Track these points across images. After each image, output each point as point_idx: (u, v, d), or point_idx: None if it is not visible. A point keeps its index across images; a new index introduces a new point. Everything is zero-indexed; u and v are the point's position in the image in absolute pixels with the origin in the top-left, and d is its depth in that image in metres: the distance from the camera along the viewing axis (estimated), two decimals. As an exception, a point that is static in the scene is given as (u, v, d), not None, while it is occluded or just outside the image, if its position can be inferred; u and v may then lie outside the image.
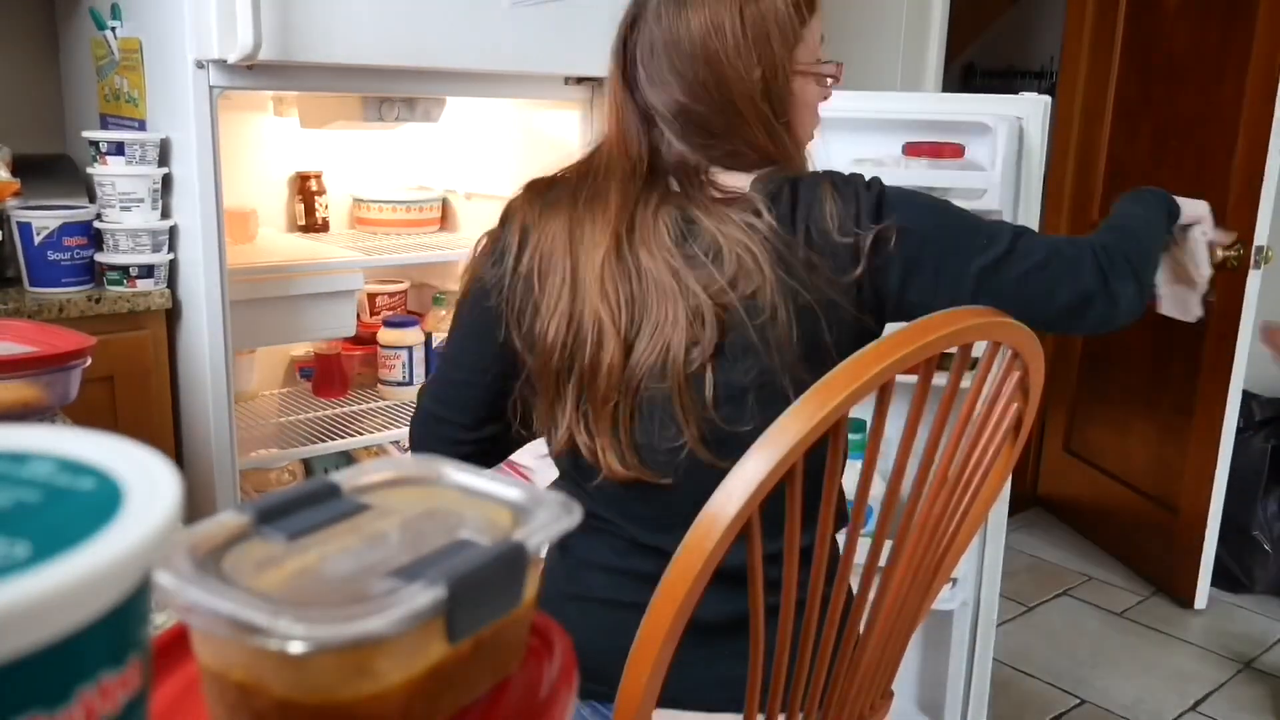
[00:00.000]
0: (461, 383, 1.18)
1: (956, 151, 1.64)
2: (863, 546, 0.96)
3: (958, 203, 1.58)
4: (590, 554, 1.14)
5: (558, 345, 1.06)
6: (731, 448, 1.01)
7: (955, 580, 1.80)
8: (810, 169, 1.16)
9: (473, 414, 1.18)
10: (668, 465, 1.07)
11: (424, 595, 0.34)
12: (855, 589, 1.01)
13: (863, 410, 0.89)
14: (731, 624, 1.01)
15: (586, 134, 2.02)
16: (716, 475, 0.85)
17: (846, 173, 1.10)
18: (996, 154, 1.62)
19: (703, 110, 1.08)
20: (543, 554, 0.41)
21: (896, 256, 1.05)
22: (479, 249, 1.15)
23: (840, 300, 1.04)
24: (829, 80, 1.16)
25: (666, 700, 0.89)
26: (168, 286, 1.80)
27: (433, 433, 1.21)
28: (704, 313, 1.03)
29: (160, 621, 0.65)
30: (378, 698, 0.35)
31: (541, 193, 1.13)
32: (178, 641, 0.43)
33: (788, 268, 1.03)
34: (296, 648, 0.32)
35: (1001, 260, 1.06)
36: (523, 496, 0.43)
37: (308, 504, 0.41)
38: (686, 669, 0.85)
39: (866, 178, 1.10)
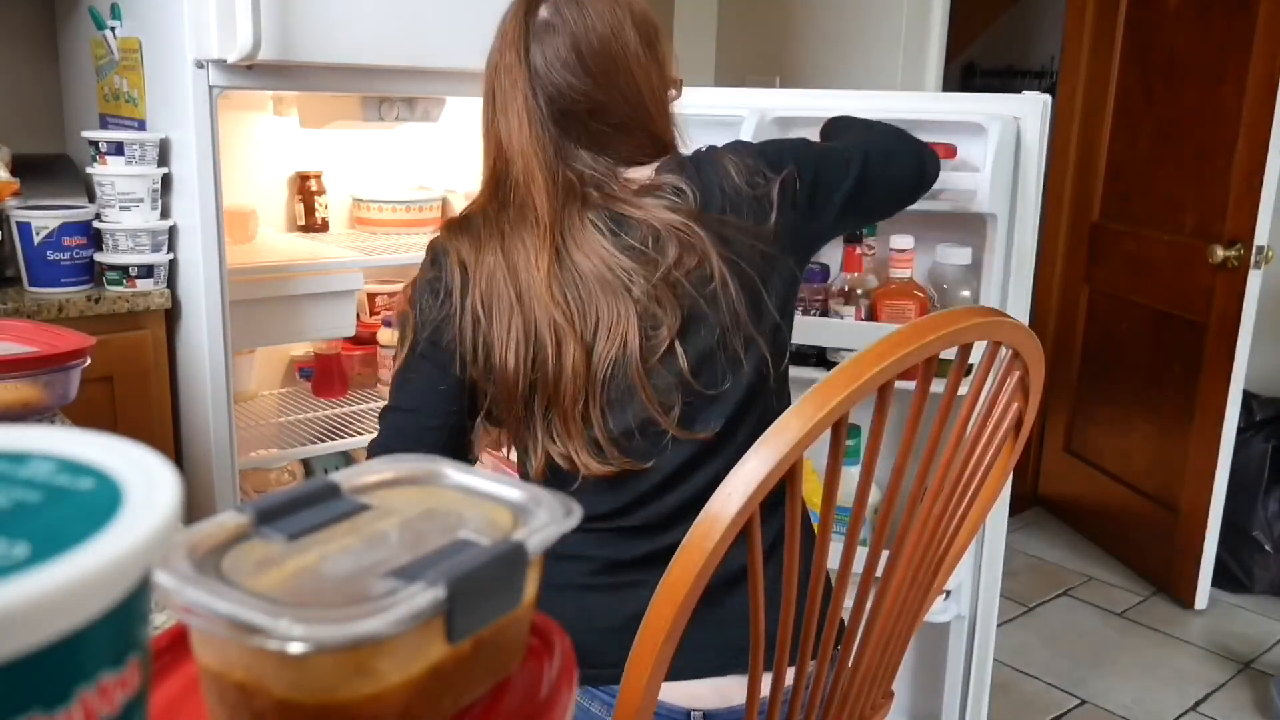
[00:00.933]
0: (428, 427, 1.16)
1: (949, 152, 1.63)
2: (861, 549, 0.96)
3: (946, 206, 1.59)
4: (562, 547, 1.13)
5: (520, 368, 1.08)
6: (708, 415, 1.11)
7: (949, 592, 1.77)
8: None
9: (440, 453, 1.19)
10: (650, 450, 1.10)
11: (423, 595, 0.34)
12: (856, 589, 1.01)
13: (859, 415, 0.89)
14: (731, 583, 1.02)
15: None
16: (690, 446, 0.97)
17: (720, 145, 1.21)
18: (988, 155, 1.57)
19: (615, 105, 1.13)
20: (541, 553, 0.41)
21: (801, 195, 1.17)
22: (415, 293, 1.15)
23: (766, 248, 1.14)
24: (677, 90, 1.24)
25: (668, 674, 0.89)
26: (167, 286, 1.80)
27: None
28: (659, 296, 1.08)
29: (160, 621, 0.65)
30: (377, 698, 0.35)
31: (464, 229, 1.14)
32: (177, 641, 0.43)
33: (719, 234, 1.11)
34: (296, 648, 0.32)
35: (860, 179, 1.22)
36: (523, 496, 0.43)
37: (308, 504, 0.41)
38: (688, 637, 0.86)
39: (738, 142, 1.23)
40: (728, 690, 1.09)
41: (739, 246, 1.12)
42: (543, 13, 1.12)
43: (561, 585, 1.12)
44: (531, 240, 1.10)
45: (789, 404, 1.05)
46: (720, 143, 1.23)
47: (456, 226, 1.16)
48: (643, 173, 1.16)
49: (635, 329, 1.08)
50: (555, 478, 1.13)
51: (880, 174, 1.25)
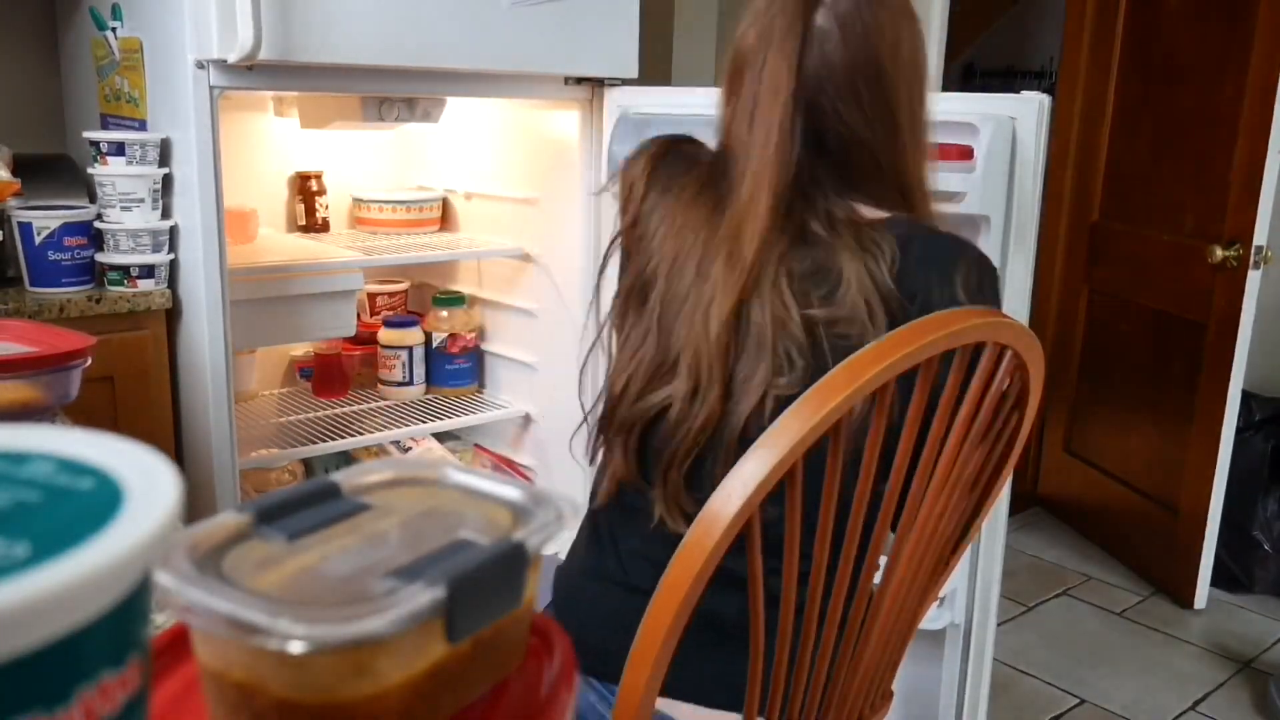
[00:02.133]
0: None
1: (965, 153, 1.59)
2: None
3: (942, 207, 1.55)
4: (621, 539, 1.09)
5: (630, 389, 0.99)
6: None
7: (942, 599, 1.75)
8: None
9: None
10: None
11: (423, 595, 0.35)
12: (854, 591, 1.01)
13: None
14: (736, 622, 1.01)
15: (587, 134, 2.02)
16: None
17: (977, 250, 1.04)
18: (978, 155, 1.53)
19: (875, 141, 1.00)
20: (543, 554, 0.41)
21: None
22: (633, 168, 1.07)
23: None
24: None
25: (667, 690, 0.89)
26: (168, 286, 1.80)
27: None
28: (793, 352, 0.97)
29: (160, 621, 0.65)
30: (377, 698, 0.35)
31: (668, 168, 1.04)
32: (177, 641, 0.43)
33: (895, 321, 0.97)
34: (296, 647, 0.32)
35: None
36: (523, 496, 0.43)
37: (308, 504, 0.41)
38: (689, 663, 0.85)
39: (988, 260, 1.04)
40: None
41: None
42: (820, 18, 0.99)
43: (608, 579, 1.09)
44: (725, 274, 0.97)
45: None
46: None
47: (665, 157, 1.05)
48: (869, 214, 1.03)
49: (761, 387, 0.96)
50: (620, 506, 1.05)
51: None
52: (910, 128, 1.02)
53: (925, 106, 1.04)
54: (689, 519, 0.97)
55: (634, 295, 1.04)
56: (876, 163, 1.02)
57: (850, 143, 1.00)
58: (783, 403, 0.95)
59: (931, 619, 1.74)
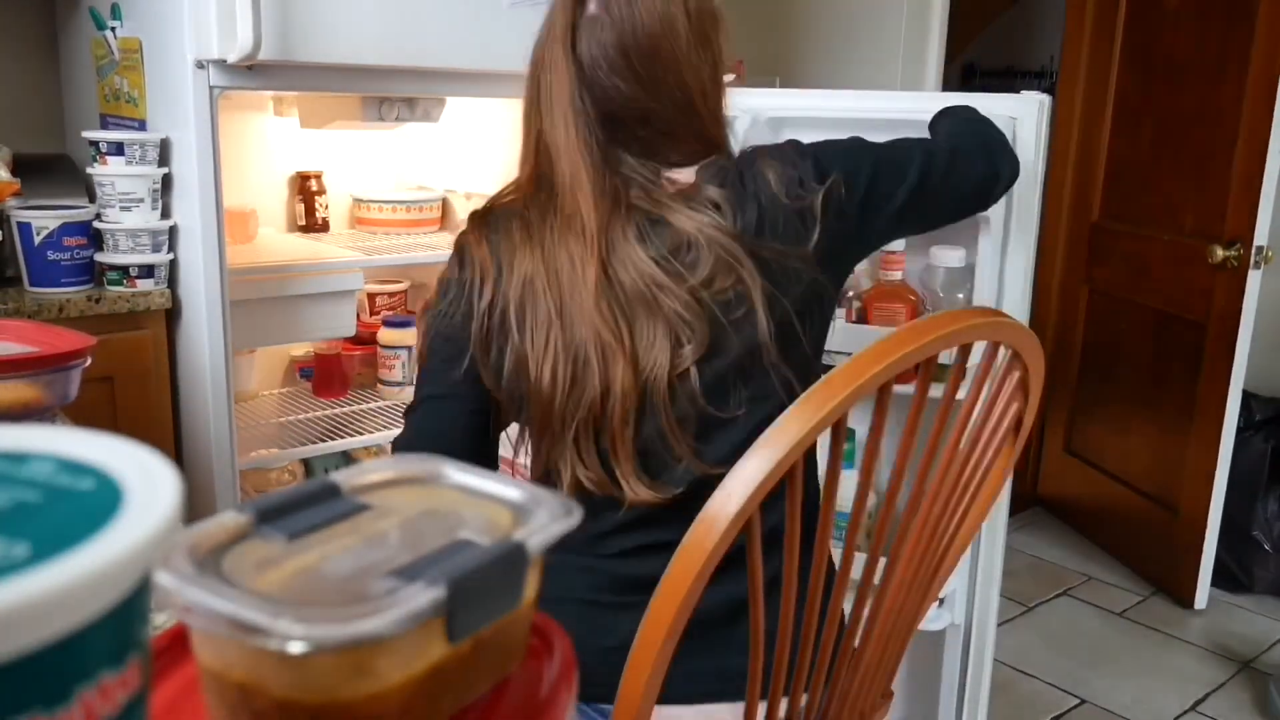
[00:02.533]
0: (458, 413, 1.12)
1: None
2: (861, 551, 0.96)
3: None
4: (569, 559, 1.12)
5: (558, 385, 1.03)
6: (719, 443, 1.05)
7: (942, 600, 1.75)
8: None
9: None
10: (681, 480, 1.06)
11: (424, 595, 0.35)
12: (855, 590, 1.01)
13: (855, 420, 0.89)
14: (727, 614, 1.01)
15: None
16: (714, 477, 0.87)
17: (769, 144, 1.13)
18: None
19: (664, 111, 1.07)
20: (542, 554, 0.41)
21: (850, 203, 1.09)
22: (440, 291, 1.11)
23: (805, 271, 1.07)
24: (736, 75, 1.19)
25: (660, 696, 0.89)
26: (168, 286, 1.80)
27: None
28: (685, 315, 1.03)
29: (160, 622, 0.65)
30: (378, 697, 0.35)
31: (495, 226, 1.09)
32: (177, 642, 0.43)
33: (756, 256, 1.04)
34: (297, 648, 0.32)
35: (920, 184, 1.14)
36: (523, 496, 0.43)
37: (308, 504, 0.41)
38: (680, 662, 0.85)
39: (790, 142, 1.14)
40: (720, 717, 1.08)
41: (775, 272, 1.05)
42: (591, 6, 1.06)
43: (565, 599, 1.10)
44: (578, 250, 1.03)
45: None
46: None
47: (486, 222, 1.10)
48: (684, 174, 1.10)
49: (667, 351, 1.02)
50: (587, 507, 1.09)
51: (942, 179, 1.16)
52: (699, 87, 1.08)
53: (720, 80, 1.11)
54: (648, 483, 1.04)
55: (511, 325, 1.07)
56: (671, 127, 1.08)
57: (640, 115, 1.07)
58: (701, 367, 1.02)
59: (931, 619, 1.74)
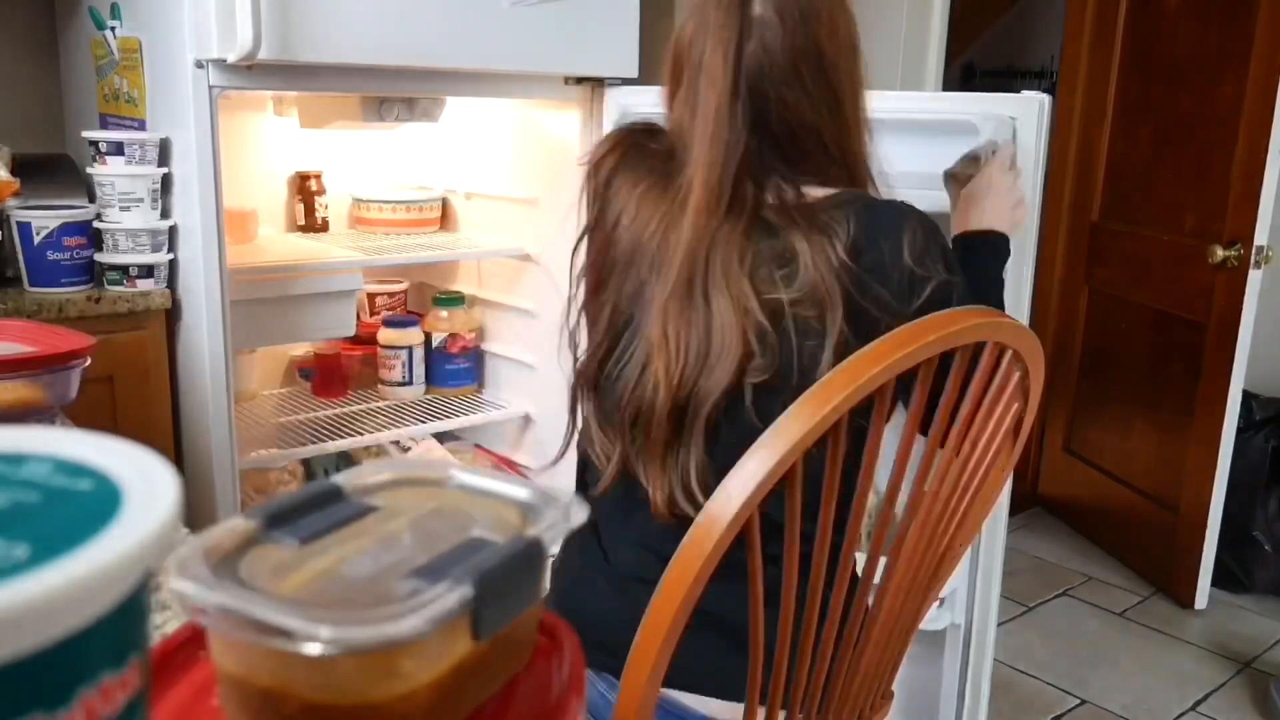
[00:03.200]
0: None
1: None
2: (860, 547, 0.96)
3: (941, 207, 1.58)
4: (620, 529, 1.11)
5: (607, 363, 1.04)
6: None
7: (942, 600, 1.75)
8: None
9: None
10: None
11: (453, 594, 0.35)
12: (854, 590, 1.01)
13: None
14: (731, 610, 1.01)
15: (587, 134, 2.02)
16: None
17: (918, 210, 1.07)
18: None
19: (822, 124, 1.04)
20: (555, 550, 0.41)
21: (940, 306, 1.04)
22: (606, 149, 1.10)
23: (889, 321, 1.02)
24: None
25: (683, 683, 0.89)
26: (168, 286, 1.80)
27: None
28: (759, 333, 1.00)
29: (160, 622, 0.65)
30: (406, 697, 0.36)
31: (632, 166, 1.08)
32: (183, 648, 0.43)
33: (854, 291, 1.01)
34: (331, 651, 0.32)
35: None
36: (530, 494, 0.43)
37: (314, 507, 0.41)
38: (701, 655, 0.85)
39: (932, 220, 1.09)
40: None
41: (860, 319, 1.01)
42: (757, 7, 1.02)
43: (613, 574, 1.10)
44: (677, 240, 1.02)
45: None
46: None
47: (627, 159, 1.08)
48: (820, 191, 1.07)
49: (730, 372, 1.00)
50: (626, 492, 1.09)
51: None
52: (852, 106, 1.07)
53: (863, 85, 1.09)
54: (678, 501, 1.02)
55: (602, 278, 1.07)
56: (822, 143, 1.05)
57: (796, 126, 1.03)
58: (759, 389, 0.99)
59: (931, 619, 1.74)
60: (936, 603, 1.69)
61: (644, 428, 1.04)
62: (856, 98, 1.07)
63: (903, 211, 1.05)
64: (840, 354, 0.99)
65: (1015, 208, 1.28)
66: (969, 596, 1.76)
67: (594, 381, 1.07)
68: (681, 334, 1.00)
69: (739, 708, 1.04)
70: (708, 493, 0.99)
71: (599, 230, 1.08)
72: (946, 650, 1.80)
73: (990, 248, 1.24)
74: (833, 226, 1.01)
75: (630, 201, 1.06)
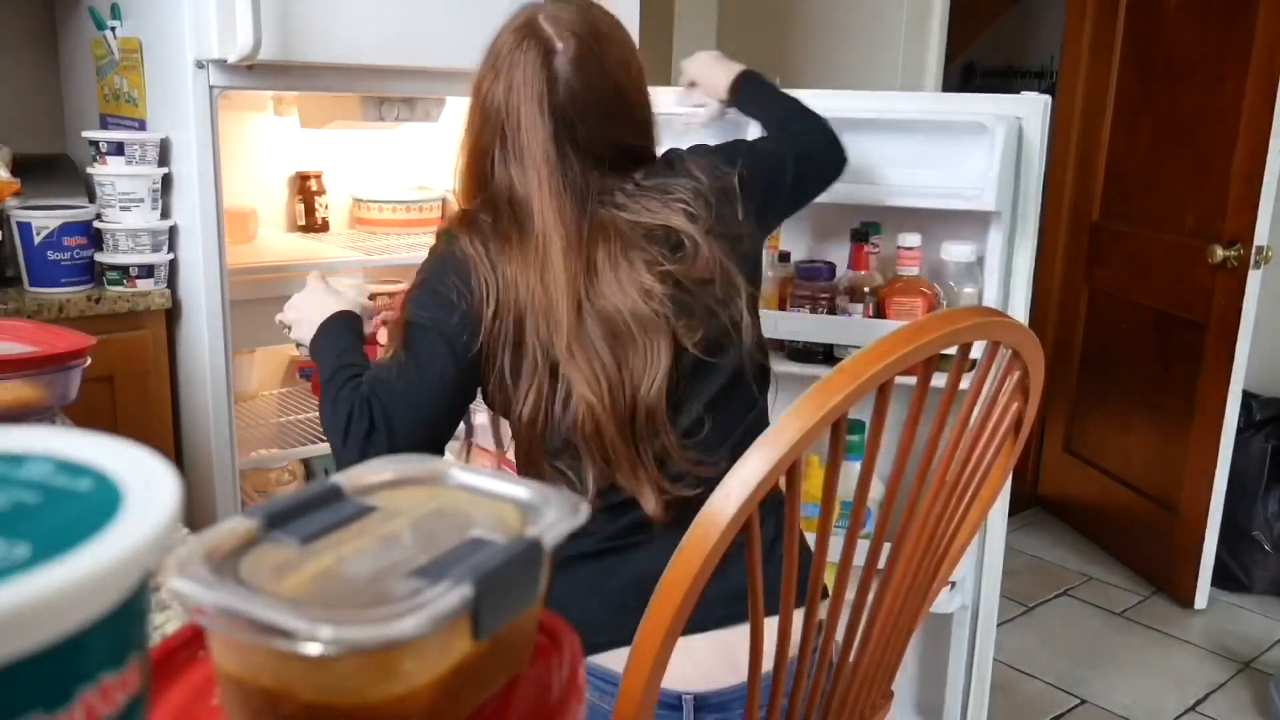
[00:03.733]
0: (437, 411, 1.12)
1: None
2: (861, 548, 0.96)
3: (954, 204, 1.63)
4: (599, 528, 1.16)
5: (539, 414, 1.09)
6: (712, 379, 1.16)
7: (954, 583, 1.79)
8: None
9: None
10: (689, 485, 1.12)
11: (453, 594, 0.35)
12: (854, 590, 1.01)
13: (861, 411, 0.89)
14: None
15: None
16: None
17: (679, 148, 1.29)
18: (994, 154, 1.61)
19: (632, 140, 1.19)
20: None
21: (756, 189, 1.25)
22: (440, 274, 1.12)
23: (748, 241, 1.22)
24: None
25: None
26: (168, 286, 1.80)
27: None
28: (685, 313, 1.12)
29: (159, 623, 0.65)
30: (406, 698, 0.36)
31: (484, 233, 1.12)
32: (183, 649, 0.43)
33: (717, 234, 1.16)
34: (332, 651, 0.32)
35: (798, 177, 1.35)
36: (529, 494, 0.43)
37: (314, 507, 0.41)
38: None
39: (697, 146, 1.30)
40: (710, 668, 1.09)
41: (728, 245, 1.17)
42: (559, 65, 1.12)
43: (563, 559, 1.12)
44: (554, 284, 1.09)
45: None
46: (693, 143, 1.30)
47: (479, 230, 1.13)
48: (642, 188, 1.19)
49: (667, 362, 1.10)
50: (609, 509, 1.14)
51: (811, 169, 1.38)
52: (648, 117, 1.22)
53: (650, 99, 1.23)
54: (668, 490, 1.10)
55: (507, 344, 1.12)
56: (634, 149, 1.20)
57: (616, 146, 1.17)
58: (710, 353, 1.13)
59: (944, 602, 1.78)
60: (948, 586, 1.73)
61: (603, 453, 1.10)
62: (650, 110, 1.22)
63: (679, 154, 1.26)
64: (734, 280, 1.16)
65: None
66: (976, 578, 1.80)
67: (542, 432, 1.11)
68: (593, 358, 1.08)
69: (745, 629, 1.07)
70: (692, 465, 1.11)
71: (483, 309, 1.11)
72: (954, 631, 1.85)
73: (755, 79, 1.56)
74: (675, 191, 1.17)
75: (498, 269, 1.11)
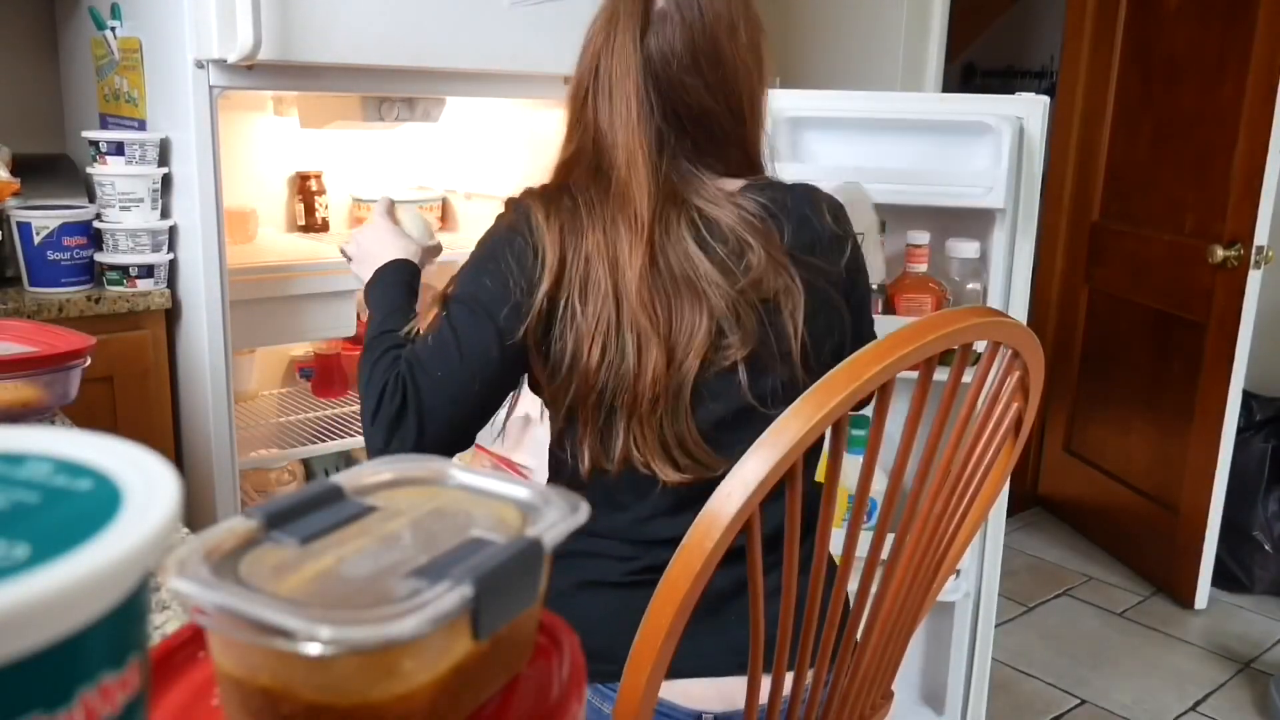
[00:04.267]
0: (474, 387, 1.08)
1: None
2: (863, 545, 0.96)
3: (963, 202, 1.65)
4: (610, 544, 1.12)
5: (602, 365, 1.05)
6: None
7: (959, 571, 1.81)
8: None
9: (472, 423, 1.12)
10: (741, 429, 1.07)
11: (453, 594, 0.35)
12: (856, 589, 1.01)
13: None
14: (736, 590, 1.01)
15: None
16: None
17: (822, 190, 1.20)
18: (1001, 153, 1.64)
19: (720, 112, 1.11)
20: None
21: (851, 259, 1.17)
22: (498, 248, 1.09)
23: (835, 293, 1.14)
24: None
25: (673, 673, 0.89)
26: (167, 286, 1.80)
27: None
28: (737, 313, 1.07)
29: (159, 623, 0.65)
30: (406, 697, 0.36)
31: (557, 201, 1.09)
32: (182, 649, 0.43)
33: (803, 268, 1.10)
34: (331, 651, 0.32)
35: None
36: (530, 495, 0.43)
37: (314, 507, 0.41)
38: (694, 639, 0.85)
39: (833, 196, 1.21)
40: (730, 691, 1.09)
41: (816, 288, 1.11)
42: (659, 2, 1.09)
43: (600, 583, 1.10)
44: (628, 235, 1.06)
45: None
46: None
47: (548, 196, 1.10)
48: (730, 184, 1.14)
49: (707, 340, 1.06)
50: (632, 481, 1.09)
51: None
52: (750, 101, 1.14)
53: (764, 84, 1.16)
54: (677, 465, 1.06)
55: (572, 300, 1.08)
56: (722, 129, 1.12)
57: (700, 113, 1.10)
58: (748, 365, 1.07)
59: (949, 591, 1.81)
60: (954, 575, 1.75)
61: (641, 413, 1.06)
62: (754, 93, 1.14)
63: (811, 188, 1.18)
64: (808, 320, 1.09)
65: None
66: (979, 567, 1.83)
67: (594, 385, 1.07)
68: (660, 316, 1.06)
69: (725, 681, 1.06)
70: (703, 450, 1.07)
71: (540, 284, 1.07)
72: (956, 618, 1.87)
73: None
74: (759, 205, 1.11)
75: (571, 232, 1.08)
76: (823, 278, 1.12)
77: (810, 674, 0.99)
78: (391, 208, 1.35)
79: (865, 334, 1.23)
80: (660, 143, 1.09)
